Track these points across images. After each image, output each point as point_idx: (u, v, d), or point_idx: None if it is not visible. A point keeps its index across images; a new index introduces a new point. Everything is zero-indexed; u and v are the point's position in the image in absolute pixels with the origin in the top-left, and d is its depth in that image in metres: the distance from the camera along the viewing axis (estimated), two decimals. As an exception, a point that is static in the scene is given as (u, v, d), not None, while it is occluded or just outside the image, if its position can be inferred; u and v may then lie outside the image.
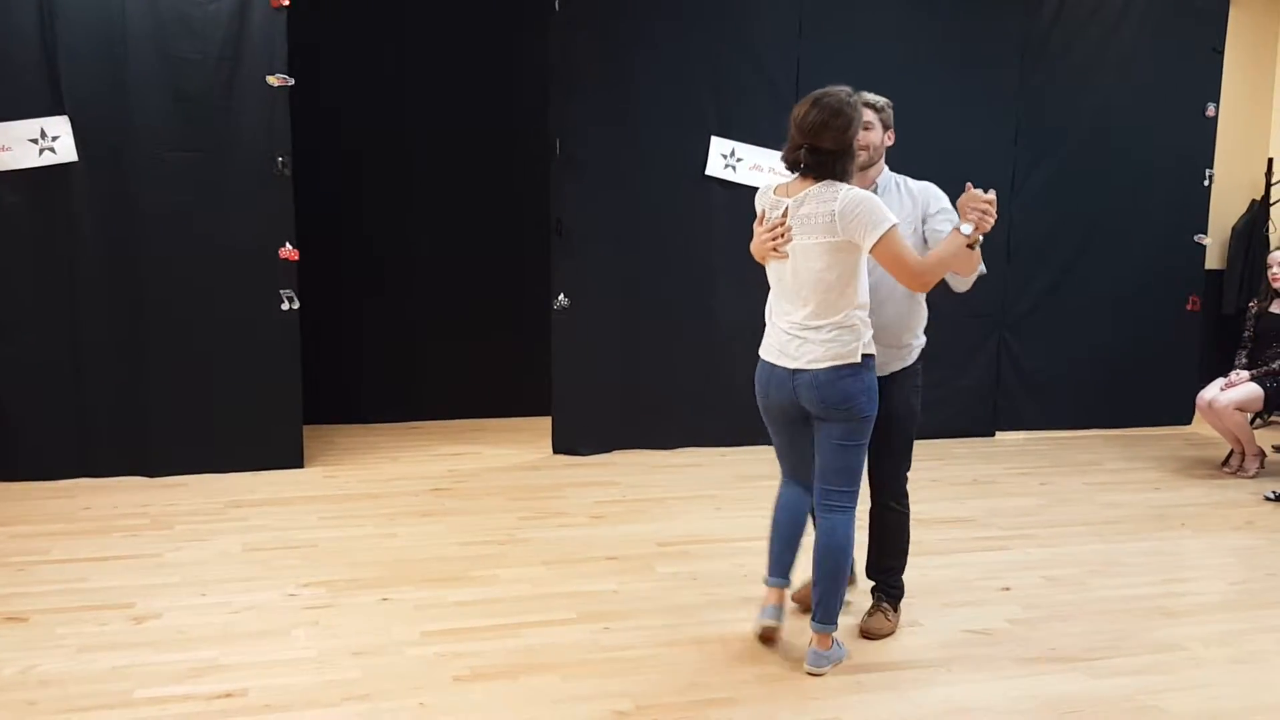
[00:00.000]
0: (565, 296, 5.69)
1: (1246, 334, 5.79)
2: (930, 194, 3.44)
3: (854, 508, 3.25)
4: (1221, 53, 6.58)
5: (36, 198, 4.95)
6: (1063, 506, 5.07)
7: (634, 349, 5.84)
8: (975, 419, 6.45)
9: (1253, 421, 5.82)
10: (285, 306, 5.27)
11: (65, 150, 4.94)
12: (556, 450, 5.84)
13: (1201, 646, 3.49)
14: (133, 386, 5.14)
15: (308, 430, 5.57)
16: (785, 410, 3.25)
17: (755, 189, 5.80)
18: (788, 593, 3.47)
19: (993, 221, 3.14)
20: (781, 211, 3.16)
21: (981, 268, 3.36)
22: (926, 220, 3.40)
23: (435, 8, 6.20)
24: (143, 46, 4.95)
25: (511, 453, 5.87)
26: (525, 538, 4.45)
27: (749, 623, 3.57)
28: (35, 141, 4.90)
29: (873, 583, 3.64)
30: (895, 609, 3.59)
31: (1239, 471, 5.69)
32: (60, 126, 4.92)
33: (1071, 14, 6.30)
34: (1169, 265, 6.66)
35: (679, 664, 3.28)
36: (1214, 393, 5.62)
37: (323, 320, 6.04)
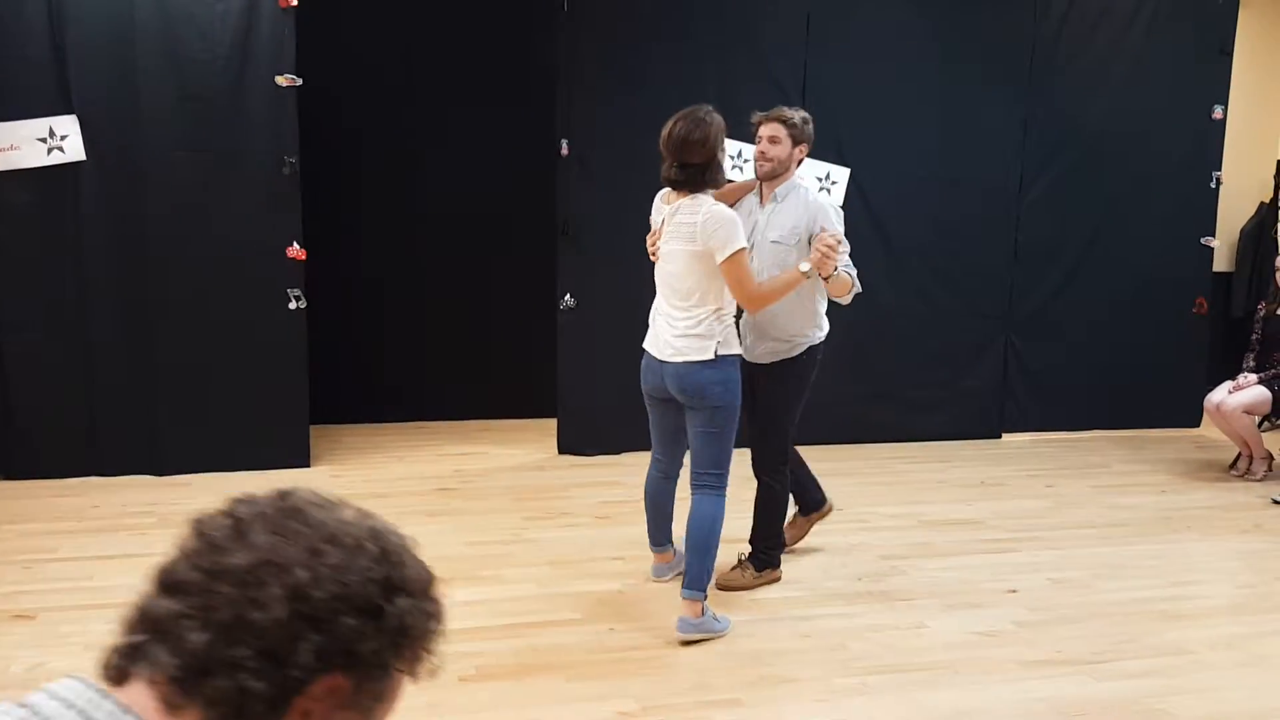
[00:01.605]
0: (571, 297, 5.69)
1: (1254, 337, 5.77)
2: (820, 214, 3.71)
3: (723, 489, 3.60)
4: (1230, 54, 6.55)
5: (45, 197, 4.96)
6: (1069, 509, 5.06)
7: (639, 349, 5.82)
8: (982, 420, 6.43)
9: (1260, 424, 5.80)
10: (292, 306, 5.28)
11: (74, 149, 4.95)
12: (562, 450, 5.84)
13: (1208, 650, 3.48)
14: (141, 385, 5.15)
15: (314, 430, 5.58)
16: (656, 394, 3.68)
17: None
18: (671, 553, 3.95)
19: (833, 265, 3.49)
20: (661, 219, 3.56)
21: (857, 287, 3.69)
22: (813, 237, 3.65)
23: (443, 8, 6.20)
24: (151, 46, 4.96)
25: (517, 453, 5.87)
26: (531, 538, 4.45)
27: (754, 624, 3.58)
28: (44, 141, 4.92)
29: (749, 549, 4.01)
30: (758, 570, 3.93)
31: (1246, 474, 5.67)
32: (69, 126, 4.93)
33: (1080, 16, 6.29)
34: (1177, 267, 6.63)
35: (684, 665, 3.28)
36: (1222, 395, 5.61)
37: (330, 320, 6.04)
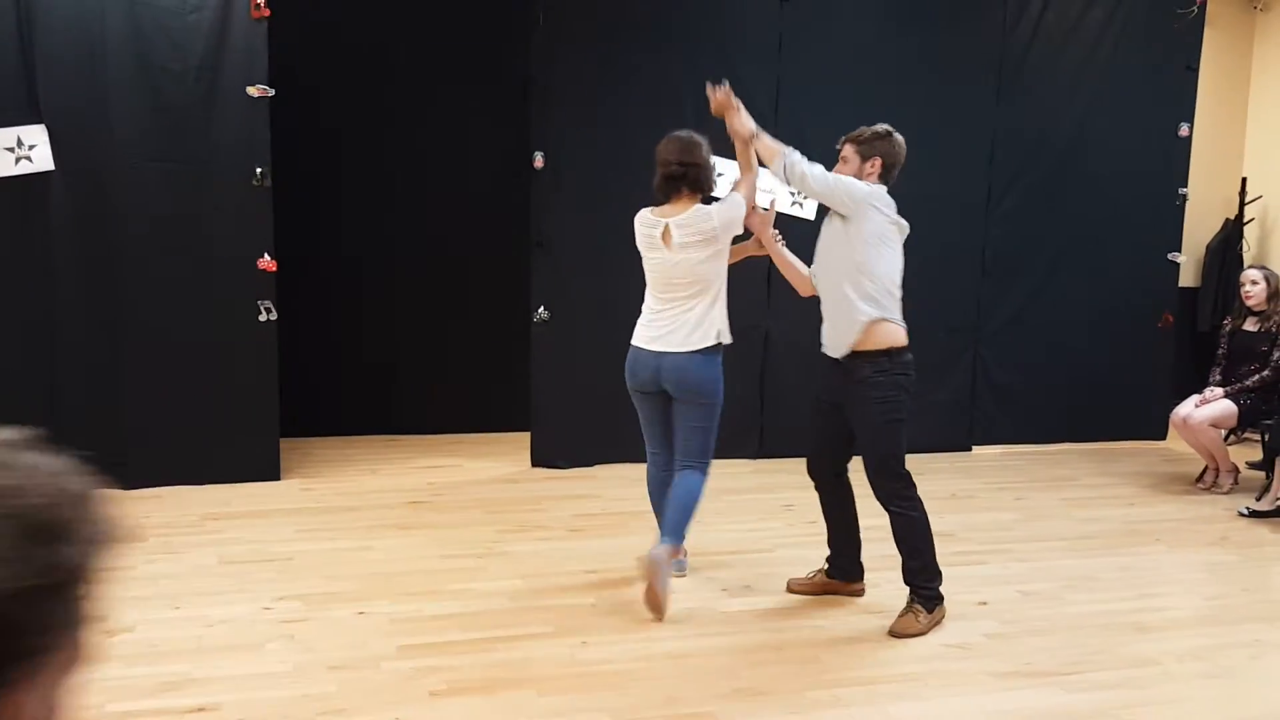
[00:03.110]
0: (545, 309, 5.69)
1: (1220, 351, 5.84)
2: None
3: (707, 467, 3.93)
4: (1196, 71, 6.66)
5: (12, 207, 4.91)
6: (1039, 521, 5.10)
7: (614, 362, 5.80)
8: (951, 433, 6.48)
9: (1227, 438, 5.87)
10: (263, 318, 5.24)
11: (42, 159, 4.90)
12: (535, 463, 5.83)
13: (1175, 661, 3.51)
14: (108, 396, 5.09)
15: (285, 443, 5.54)
16: (646, 388, 4.00)
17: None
18: (682, 548, 4.02)
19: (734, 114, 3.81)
20: (662, 230, 3.85)
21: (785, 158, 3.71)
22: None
23: (417, 19, 6.20)
24: (122, 56, 4.93)
25: (490, 466, 5.85)
26: (503, 551, 4.43)
27: (728, 636, 3.58)
28: (11, 150, 4.86)
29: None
30: (929, 610, 3.66)
31: (1213, 487, 5.74)
32: (37, 135, 4.88)
33: (1048, 32, 6.37)
34: (1144, 282, 6.72)
35: (657, 678, 3.27)
36: (1189, 409, 5.67)
37: (301, 332, 6.00)
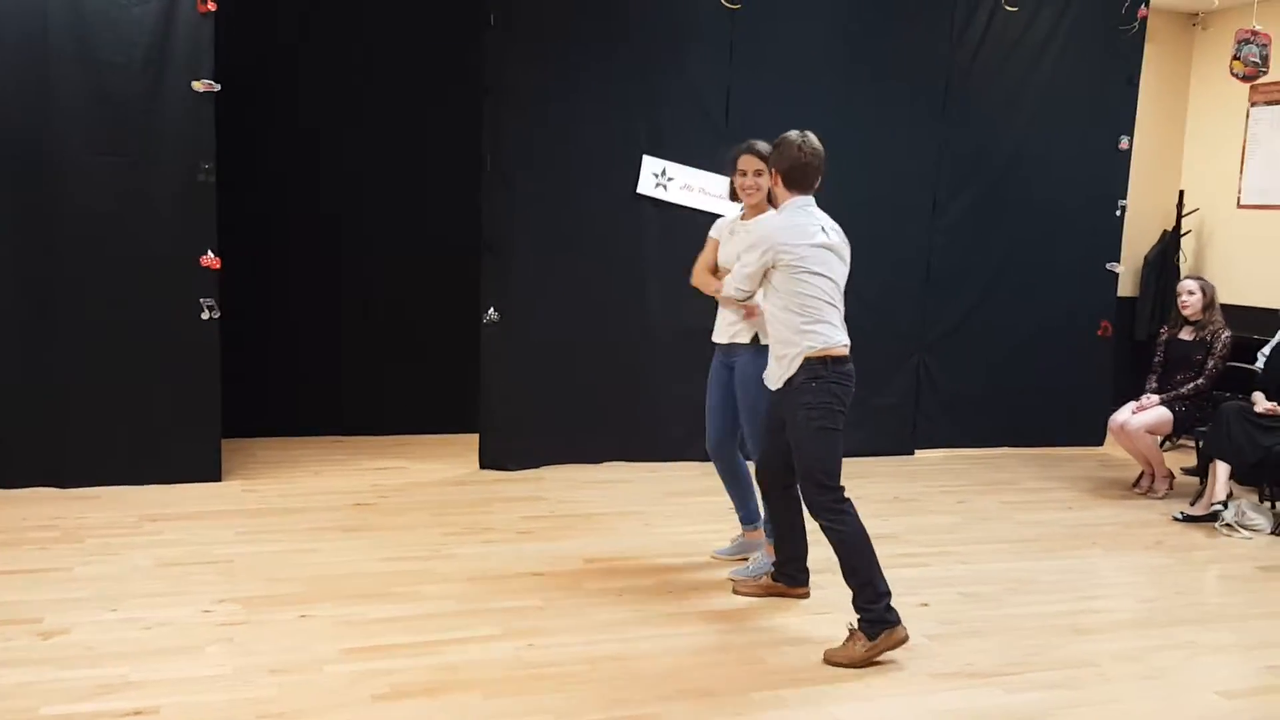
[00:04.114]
0: (495, 311, 5.66)
1: (1157, 359, 5.97)
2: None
3: None
4: (1136, 86, 6.81)
5: (-54, 199, 4.80)
6: (980, 524, 5.18)
7: (563, 364, 5.84)
8: (896, 437, 6.56)
9: (1162, 444, 6.00)
10: (205, 315, 5.16)
11: (-22, 151, 4.79)
12: (484, 466, 5.80)
13: (1111, 662, 3.59)
14: (46, 395, 4.98)
15: (227, 443, 5.46)
16: None
17: (687, 208, 5.88)
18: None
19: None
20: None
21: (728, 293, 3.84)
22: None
23: (369, 18, 6.15)
24: (64, 48, 4.83)
25: (439, 468, 5.81)
26: (450, 554, 4.40)
27: (674, 638, 3.59)
28: (-54, 141, 4.75)
29: None
30: (871, 638, 3.45)
31: (1149, 492, 5.87)
32: (-27, 126, 4.77)
33: (995, 45, 6.48)
34: (1084, 292, 6.86)
35: (603, 680, 3.27)
36: (1126, 416, 5.79)
37: (245, 331, 5.93)
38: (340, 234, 6.27)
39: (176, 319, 5.12)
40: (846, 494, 3.57)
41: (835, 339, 3.59)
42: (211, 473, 5.28)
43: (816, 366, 3.54)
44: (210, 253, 5.13)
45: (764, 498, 3.99)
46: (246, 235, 5.88)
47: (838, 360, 3.58)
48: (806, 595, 4.00)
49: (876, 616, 3.47)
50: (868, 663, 3.43)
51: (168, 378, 5.14)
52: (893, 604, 3.50)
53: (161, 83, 4.98)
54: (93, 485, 5.05)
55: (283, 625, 3.59)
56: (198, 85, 5.02)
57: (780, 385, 3.64)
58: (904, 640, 3.47)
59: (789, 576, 4.02)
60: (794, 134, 3.66)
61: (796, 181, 3.64)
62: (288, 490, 5.24)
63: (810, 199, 3.68)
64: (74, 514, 4.69)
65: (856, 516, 3.55)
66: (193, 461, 5.22)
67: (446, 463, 5.91)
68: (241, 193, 5.78)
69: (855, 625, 3.50)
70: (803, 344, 3.55)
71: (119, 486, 5.08)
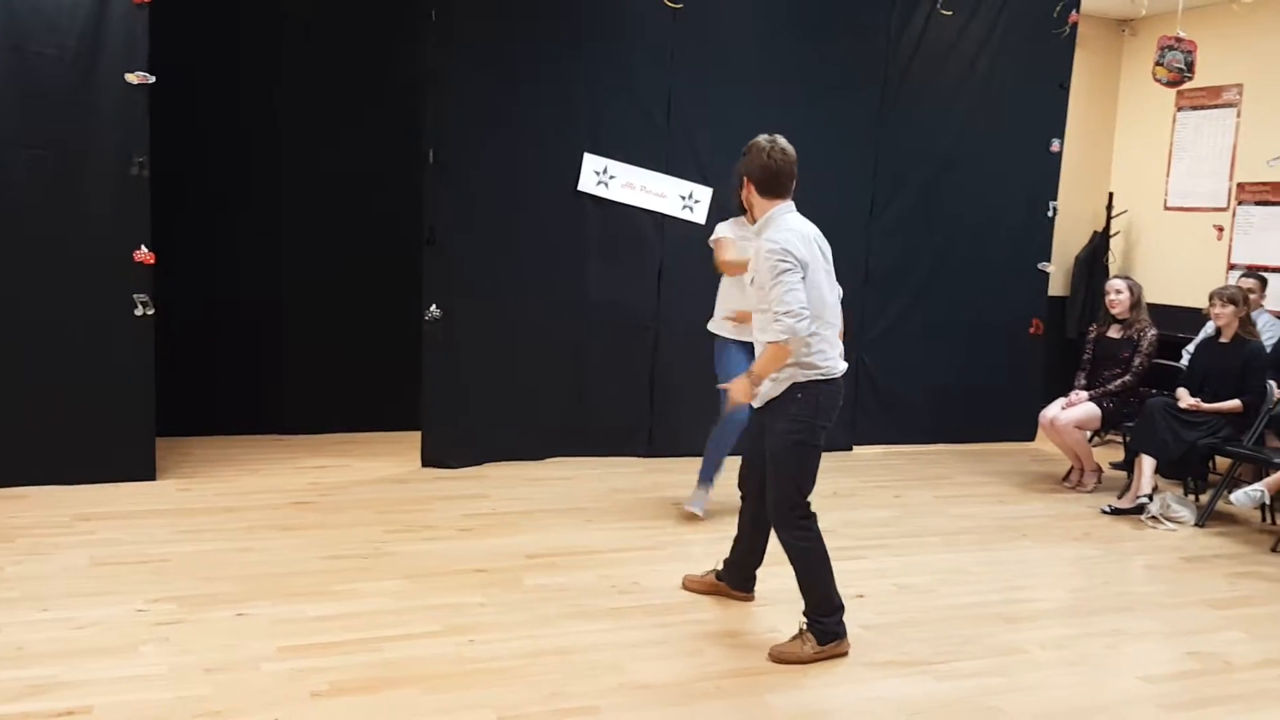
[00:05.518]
0: (437, 307, 5.64)
1: (1086, 357, 6.12)
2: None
3: None
4: (1068, 90, 6.97)
5: None
6: (915, 518, 5.28)
7: (505, 361, 5.83)
8: (835, 434, 6.59)
9: (1091, 439, 6.16)
10: (139, 312, 5.08)
11: (-99, 142, 4.67)
12: (426, 463, 5.78)
13: (1039, 650, 3.69)
14: (-29, 393, 4.88)
15: (161, 442, 5.37)
16: None
17: (627, 205, 5.91)
18: None
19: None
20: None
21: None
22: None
23: (309, 10, 6.08)
24: (-9, 37, 4.73)
25: (379, 465, 5.78)
26: (390, 551, 4.39)
27: (614, 632, 3.62)
28: None
29: None
30: (820, 643, 3.49)
31: (1078, 486, 6.02)
32: (-104, 117, 4.65)
33: (930, 48, 6.60)
34: (1015, 291, 7.01)
35: (542, 674, 3.29)
36: (1055, 411, 5.94)
37: (180, 327, 5.84)
38: (281, 229, 6.19)
39: (110, 316, 5.03)
40: (813, 508, 3.55)
41: (832, 352, 3.61)
42: (146, 472, 5.19)
43: (806, 385, 3.49)
44: (144, 248, 5.05)
45: (743, 498, 3.88)
46: (184, 230, 5.79)
47: (829, 381, 3.57)
48: (750, 600, 3.99)
49: (829, 629, 3.51)
50: (813, 663, 3.47)
51: (101, 375, 5.05)
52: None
53: (94, 74, 4.89)
54: (23, 485, 4.94)
55: (219, 624, 3.55)
56: (131, 78, 4.94)
57: (759, 405, 3.55)
58: (846, 652, 3.53)
59: (736, 581, 3.98)
60: (763, 138, 3.55)
61: (770, 188, 3.53)
62: (225, 489, 5.18)
63: (790, 204, 3.57)
64: (4, 514, 4.59)
65: (819, 534, 3.54)
66: (127, 460, 5.14)
67: (388, 460, 5.87)
68: (180, 187, 5.69)
69: (806, 625, 3.53)
70: (798, 371, 3.48)
71: (51, 486, 4.98)
